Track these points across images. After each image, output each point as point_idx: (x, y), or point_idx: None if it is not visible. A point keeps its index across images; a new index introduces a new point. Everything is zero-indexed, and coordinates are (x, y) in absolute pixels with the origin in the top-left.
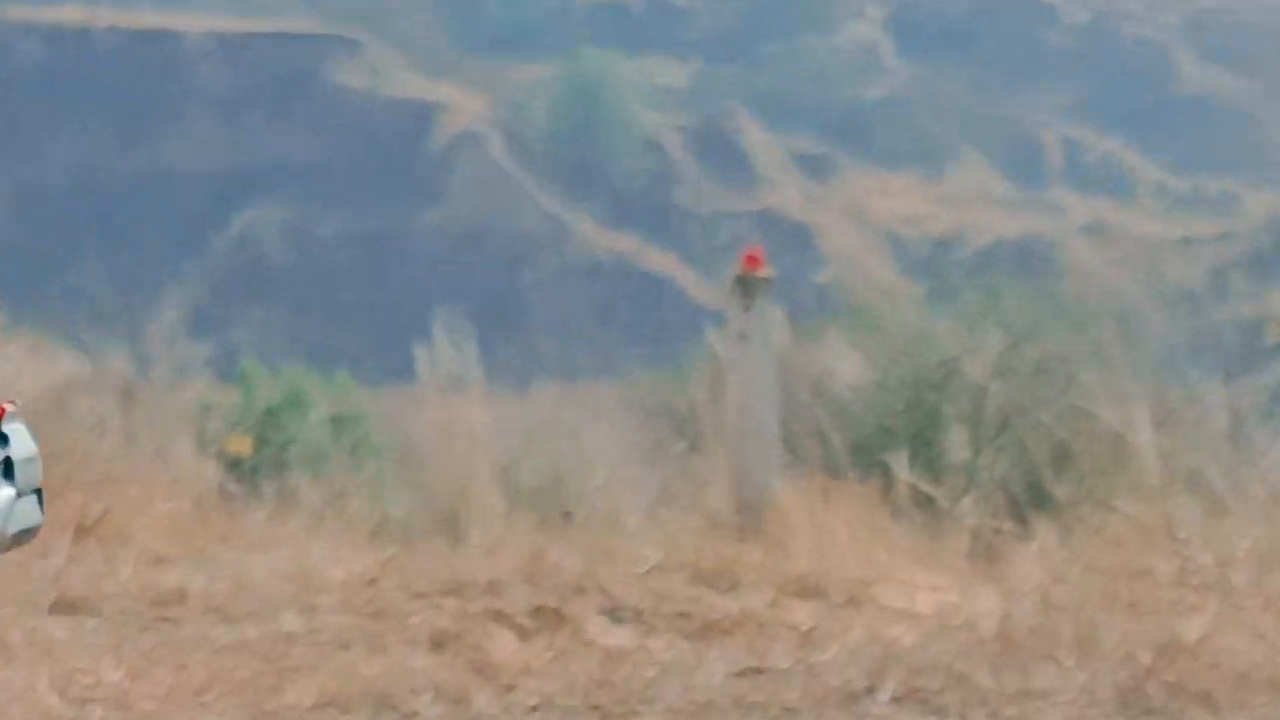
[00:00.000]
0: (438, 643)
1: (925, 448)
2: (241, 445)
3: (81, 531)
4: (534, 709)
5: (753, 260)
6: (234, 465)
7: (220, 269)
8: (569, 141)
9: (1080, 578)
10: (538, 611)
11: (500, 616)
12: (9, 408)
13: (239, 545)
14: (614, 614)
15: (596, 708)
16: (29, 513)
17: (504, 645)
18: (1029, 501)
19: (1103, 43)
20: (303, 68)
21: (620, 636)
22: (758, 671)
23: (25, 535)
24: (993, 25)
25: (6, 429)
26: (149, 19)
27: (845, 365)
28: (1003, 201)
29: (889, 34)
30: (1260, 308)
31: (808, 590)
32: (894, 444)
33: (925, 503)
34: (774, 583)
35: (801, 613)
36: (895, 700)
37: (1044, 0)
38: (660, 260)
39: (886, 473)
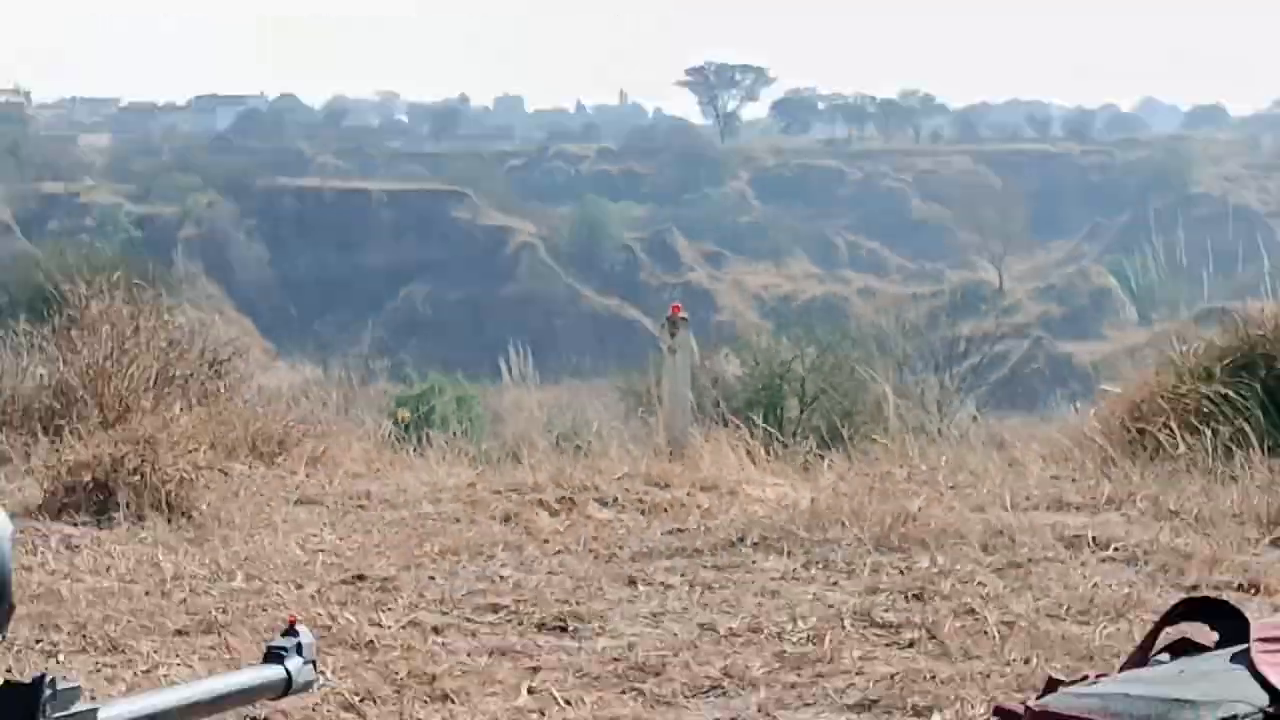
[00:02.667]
0: (506, 518)
1: (774, 410)
2: (404, 415)
3: (312, 460)
4: (558, 552)
5: (677, 308)
6: (399, 424)
7: (395, 318)
8: (582, 247)
9: (855, 480)
10: (561, 500)
11: (541, 504)
12: (301, 627)
13: (400, 467)
14: (602, 502)
15: (592, 551)
16: (309, 674)
17: (542, 520)
18: (831, 439)
19: (869, 190)
20: (434, 209)
21: (606, 514)
22: (680, 531)
23: (305, 688)
24: (809, 181)
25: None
26: (352, 183)
27: (730, 367)
28: (816, 277)
29: (754, 187)
30: (955, 332)
31: (708, 487)
32: (757, 409)
33: (774, 440)
34: (689, 483)
35: (704, 499)
36: (754, 545)
37: (836, 166)
38: (631, 311)
39: (753, 424)
